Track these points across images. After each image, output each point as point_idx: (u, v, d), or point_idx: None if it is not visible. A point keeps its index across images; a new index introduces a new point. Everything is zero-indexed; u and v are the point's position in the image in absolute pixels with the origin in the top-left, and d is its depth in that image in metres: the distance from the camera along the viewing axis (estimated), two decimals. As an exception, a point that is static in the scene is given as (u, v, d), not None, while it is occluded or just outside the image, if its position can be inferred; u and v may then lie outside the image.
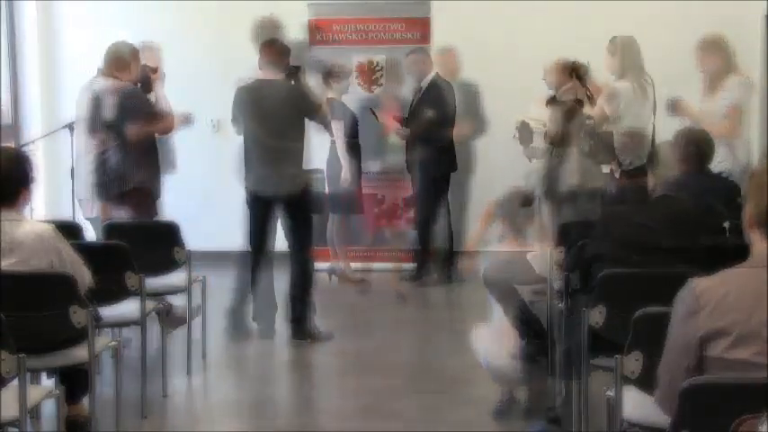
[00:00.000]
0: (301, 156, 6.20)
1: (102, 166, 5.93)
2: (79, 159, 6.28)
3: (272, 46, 6.19)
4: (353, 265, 8.37)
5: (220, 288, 6.85)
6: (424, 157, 7.87)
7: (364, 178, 8.39)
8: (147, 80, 6.07)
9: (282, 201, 6.09)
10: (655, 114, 6.34)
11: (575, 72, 6.88)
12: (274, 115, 6.04)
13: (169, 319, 5.83)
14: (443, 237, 7.94)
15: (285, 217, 6.20)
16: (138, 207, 5.92)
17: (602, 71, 6.80)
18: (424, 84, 7.94)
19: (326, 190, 7.93)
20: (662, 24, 8.41)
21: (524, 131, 7.29)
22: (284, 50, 6.22)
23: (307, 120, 6.28)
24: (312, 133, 7.97)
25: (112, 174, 5.91)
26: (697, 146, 4.97)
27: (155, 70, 6.15)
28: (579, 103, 6.51)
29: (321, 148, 8.07)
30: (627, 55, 6.23)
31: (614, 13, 8.41)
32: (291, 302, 6.23)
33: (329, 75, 7.78)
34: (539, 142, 7.22)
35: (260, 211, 6.21)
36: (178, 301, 5.88)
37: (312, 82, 7.65)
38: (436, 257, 8.00)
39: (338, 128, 7.71)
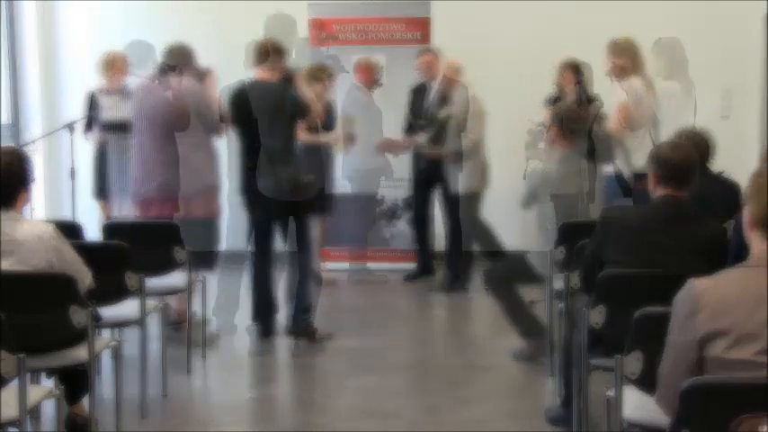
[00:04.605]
0: (293, 156, 6.16)
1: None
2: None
3: (262, 45, 6.13)
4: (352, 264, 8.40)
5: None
6: (448, 164, 7.66)
7: (365, 179, 8.40)
8: (203, 80, 6.07)
9: (279, 202, 6.05)
10: (695, 116, 6.32)
11: (576, 73, 6.88)
12: (263, 116, 6.00)
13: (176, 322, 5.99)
14: (452, 240, 7.87)
15: (282, 217, 6.18)
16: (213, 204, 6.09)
17: (600, 72, 6.80)
18: (435, 84, 7.83)
19: None
20: (662, 24, 8.40)
21: (536, 137, 7.29)
22: (273, 49, 6.09)
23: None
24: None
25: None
26: (697, 146, 4.97)
27: (207, 71, 6.15)
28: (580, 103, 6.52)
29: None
30: (672, 56, 6.24)
31: (615, 12, 8.40)
32: (289, 301, 6.23)
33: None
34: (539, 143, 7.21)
35: (259, 212, 6.20)
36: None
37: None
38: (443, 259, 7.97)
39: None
